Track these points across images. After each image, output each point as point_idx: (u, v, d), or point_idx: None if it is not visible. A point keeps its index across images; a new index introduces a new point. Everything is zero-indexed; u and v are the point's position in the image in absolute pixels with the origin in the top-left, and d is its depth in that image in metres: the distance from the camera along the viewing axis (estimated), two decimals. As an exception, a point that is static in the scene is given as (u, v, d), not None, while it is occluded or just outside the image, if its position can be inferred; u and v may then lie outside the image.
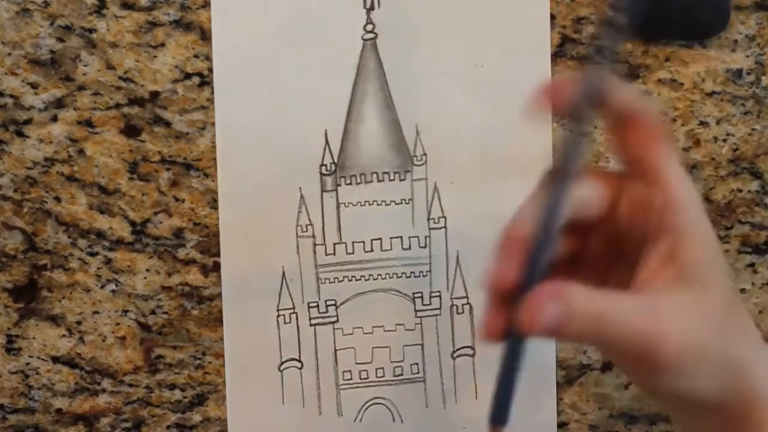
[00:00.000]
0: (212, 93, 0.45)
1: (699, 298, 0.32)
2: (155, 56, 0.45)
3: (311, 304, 0.46)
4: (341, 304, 0.46)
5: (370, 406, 0.46)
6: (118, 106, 0.45)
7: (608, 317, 0.31)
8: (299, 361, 0.46)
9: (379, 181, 0.45)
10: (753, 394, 0.34)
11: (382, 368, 0.46)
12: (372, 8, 0.45)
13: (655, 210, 0.32)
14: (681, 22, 0.44)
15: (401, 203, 0.45)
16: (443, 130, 0.45)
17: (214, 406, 0.46)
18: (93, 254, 0.45)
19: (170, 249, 0.45)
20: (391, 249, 0.45)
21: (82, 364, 0.46)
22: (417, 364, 0.46)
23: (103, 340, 0.46)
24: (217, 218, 0.45)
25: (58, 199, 0.45)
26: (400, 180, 0.45)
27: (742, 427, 0.35)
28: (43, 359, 0.46)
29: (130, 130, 0.45)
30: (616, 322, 0.31)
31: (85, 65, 0.45)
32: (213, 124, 0.45)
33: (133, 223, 0.45)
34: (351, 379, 0.46)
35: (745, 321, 0.34)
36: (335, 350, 0.46)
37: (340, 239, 0.45)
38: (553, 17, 0.45)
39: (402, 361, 0.46)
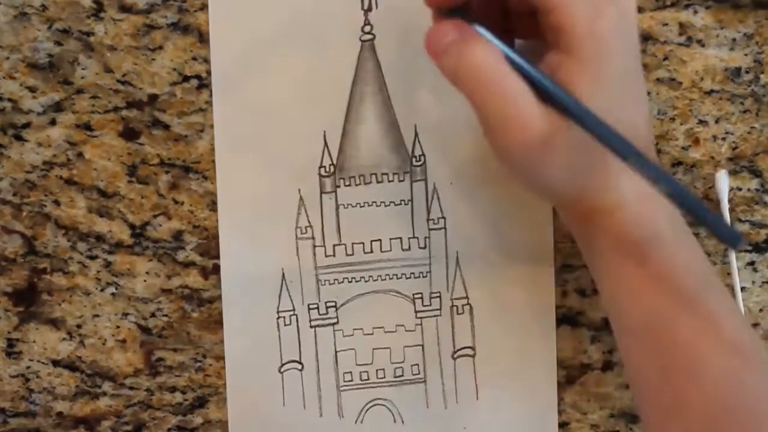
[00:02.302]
0: (210, 95, 0.45)
1: (583, 67, 0.35)
2: (153, 59, 0.45)
3: (311, 306, 0.46)
4: (341, 305, 0.46)
5: (371, 407, 0.46)
6: (116, 109, 0.45)
7: (487, 74, 0.35)
8: (300, 362, 0.46)
9: (378, 182, 0.45)
10: (602, 195, 0.37)
11: (383, 369, 0.46)
12: (370, 9, 0.45)
13: None
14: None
15: (400, 204, 0.45)
16: (442, 130, 0.45)
17: (214, 409, 0.46)
18: (92, 257, 0.45)
19: (170, 252, 0.45)
20: (391, 250, 0.45)
21: (82, 367, 0.46)
22: (417, 365, 0.46)
23: (104, 343, 0.46)
24: (217, 220, 0.45)
25: (57, 203, 0.45)
26: (399, 181, 0.45)
27: (586, 229, 0.38)
28: (43, 363, 0.46)
29: (129, 133, 0.45)
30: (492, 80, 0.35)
31: (83, 69, 0.45)
32: (212, 126, 0.45)
33: (132, 226, 0.45)
34: (352, 380, 0.46)
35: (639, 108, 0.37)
36: (336, 352, 0.46)
37: (340, 241, 0.45)
38: (551, 17, 0.45)
39: (402, 362, 0.46)
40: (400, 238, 0.45)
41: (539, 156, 0.35)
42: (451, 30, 0.36)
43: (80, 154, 0.45)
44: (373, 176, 0.45)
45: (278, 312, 0.45)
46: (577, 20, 0.34)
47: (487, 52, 0.35)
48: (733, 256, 0.46)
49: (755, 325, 0.46)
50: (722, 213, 0.45)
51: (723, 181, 0.45)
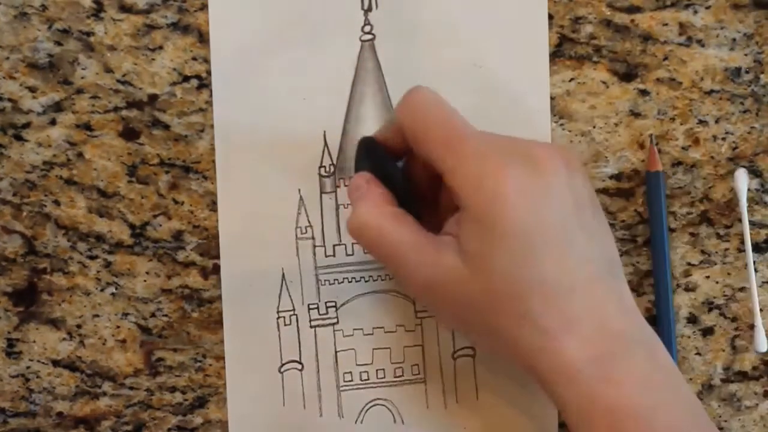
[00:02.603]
0: (210, 95, 0.45)
1: (474, 224, 0.37)
2: (153, 59, 0.45)
3: (311, 306, 0.46)
4: (341, 305, 0.46)
5: (371, 407, 0.46)
6: (116, 109, 0.45)
7: (386, 236, 0.38)
8: (300, 362, 0.46)
9: (378, 182, 0.45)
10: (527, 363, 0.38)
11: (383, 369, 0.46)
12: (370, 9, 0.45)
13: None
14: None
15: (400, 204, 0.45)
16: (442, 130, 0.45)
17: (215, 409, 0.46)
18: (92, 257, 0.45)
19: (170, 252, 0.45)
20: (391, 250, 0.45)
21: (82, 367, 0.46)
22: (418, 365, 0.46)
23: (104, 343, 0.46)
24: (217, 220, 0.45)
25: (57, 203, 0.45)
26: (399, 181, 0.45)
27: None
28: (43, 363, 0.46)
29: (129, 133, 0.45)
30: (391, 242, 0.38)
31: (83, 69, 0.45)
32: (211, 126, 0.45)
33: (132, 226, 0.45)
34: (352, 380, 0.46)
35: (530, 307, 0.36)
36: (336, 352, 0.46)
37: (340, 241, 0.45)
38: (551, 17, 0.45)
39: (403, 362, 0.46)
40: (400, 238, 0.45)
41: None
42: (362, 183, 0.40)
43: (80, 154, 0.45)
44: (373, 176, 0.45)
45: (278, 312, 0.45)
46: (465, 180, 0.37)
47: (369, 211, 0.39)
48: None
49: (754, 326, 0.46)
50: (741, 212, 0.45)
51: (742, 180, 0.45)
